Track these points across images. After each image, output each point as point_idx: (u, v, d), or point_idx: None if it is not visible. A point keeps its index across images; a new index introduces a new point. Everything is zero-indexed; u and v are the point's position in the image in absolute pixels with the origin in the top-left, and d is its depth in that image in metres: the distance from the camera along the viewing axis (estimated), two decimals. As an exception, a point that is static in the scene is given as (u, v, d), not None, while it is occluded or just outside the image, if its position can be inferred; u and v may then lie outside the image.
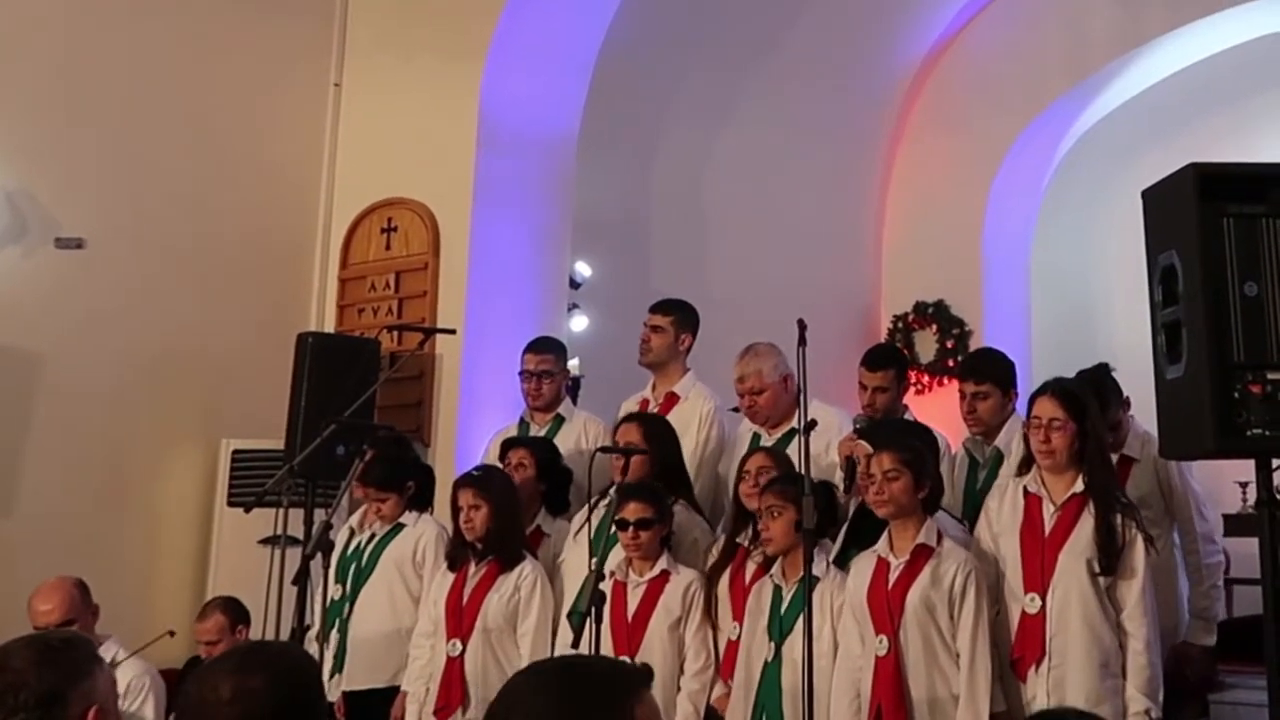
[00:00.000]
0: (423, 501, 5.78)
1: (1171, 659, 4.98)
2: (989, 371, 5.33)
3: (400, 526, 5.65)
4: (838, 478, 4.97)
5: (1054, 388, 4.54)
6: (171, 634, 5.31)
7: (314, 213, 8.06)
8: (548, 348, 6.26)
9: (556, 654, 5.09)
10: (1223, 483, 8.47)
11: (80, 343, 6.93)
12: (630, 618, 4.90)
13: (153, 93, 7.38)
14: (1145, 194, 4.08)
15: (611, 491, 5.22)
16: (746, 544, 5.01)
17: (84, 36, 7.12)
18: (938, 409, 7.83)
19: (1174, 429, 3.95)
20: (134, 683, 4.85)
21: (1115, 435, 5.22)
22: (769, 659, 4.58)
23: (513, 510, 5.31)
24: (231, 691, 2.15)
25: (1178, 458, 4.50)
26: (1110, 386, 5.30)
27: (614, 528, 4.92)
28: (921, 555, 4.36)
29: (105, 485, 7.00)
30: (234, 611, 5.67)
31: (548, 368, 6.15)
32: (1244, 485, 8.87)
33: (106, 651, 4.85)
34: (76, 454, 6.86)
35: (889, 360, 5.76)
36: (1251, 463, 3.85)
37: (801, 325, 4.52)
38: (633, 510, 4.92)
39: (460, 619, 5.18)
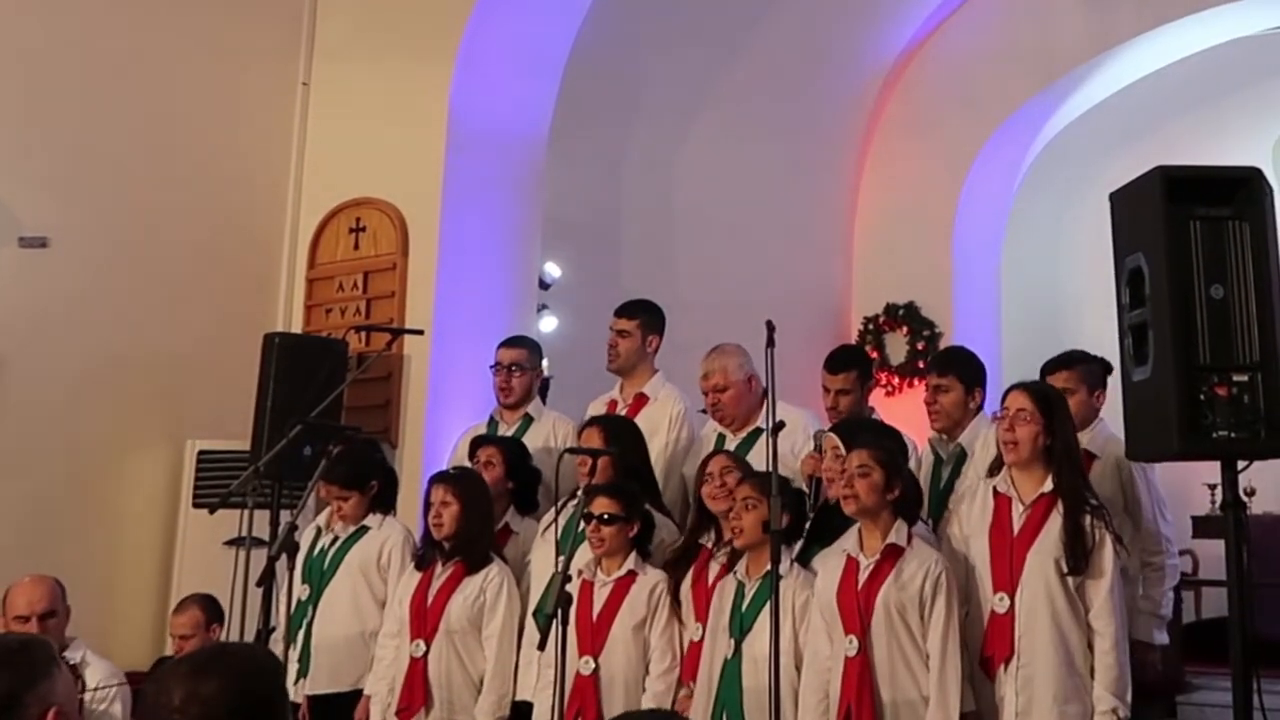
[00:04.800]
0: (385, 503, 5.74)
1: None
2: (951, 365, 5.36)
3: (365, 529, 5.61)
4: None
5: (1027, 383, 4.58)
6: None
7: (282, 212, 8.02)
8: (520, 343, 6.26)
9: (521, 654, 5.12)
10: (1191, 484, 8.52)
11: (45, 342, 6.87)
12: (595, 617, 4.89)
13: (119, 91, 7.33)
14: (1113, 196, 4.10)
15: (580, 492, 5.21)
16: (709, 545, 5.01)
17: (48, 34, 7.06)
18: (908, 411, 7.84)
19: (1140, 430, 3.97)
20: (102, 684, 4.83)
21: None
22: (729, 656, 4.58)
23: (483, 513, 5.30)
24: (182, 697, 2.13)
25: (1144, 459, 4.51)
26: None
27: (582, 524, 4.91)
28: (891, 555, 4.36)
29: (69, 486, 6.94)
30: (210, 609, 5.66)
31: (519, 361, 6.13)
32: (1212, 487, 8.92)
33: (74, 653, 4.83)
34: (40, 455, 6.80)
35: (850, 362, 5.75)
36: (1219, 465, 3.87)
37: (770, 326, 4.50)
38: (599, 505, 4.92)
39: (424, 620, 5.16)
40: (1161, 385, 3.74)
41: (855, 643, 4.30)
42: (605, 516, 4.90)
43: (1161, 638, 4.97)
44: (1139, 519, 5.08)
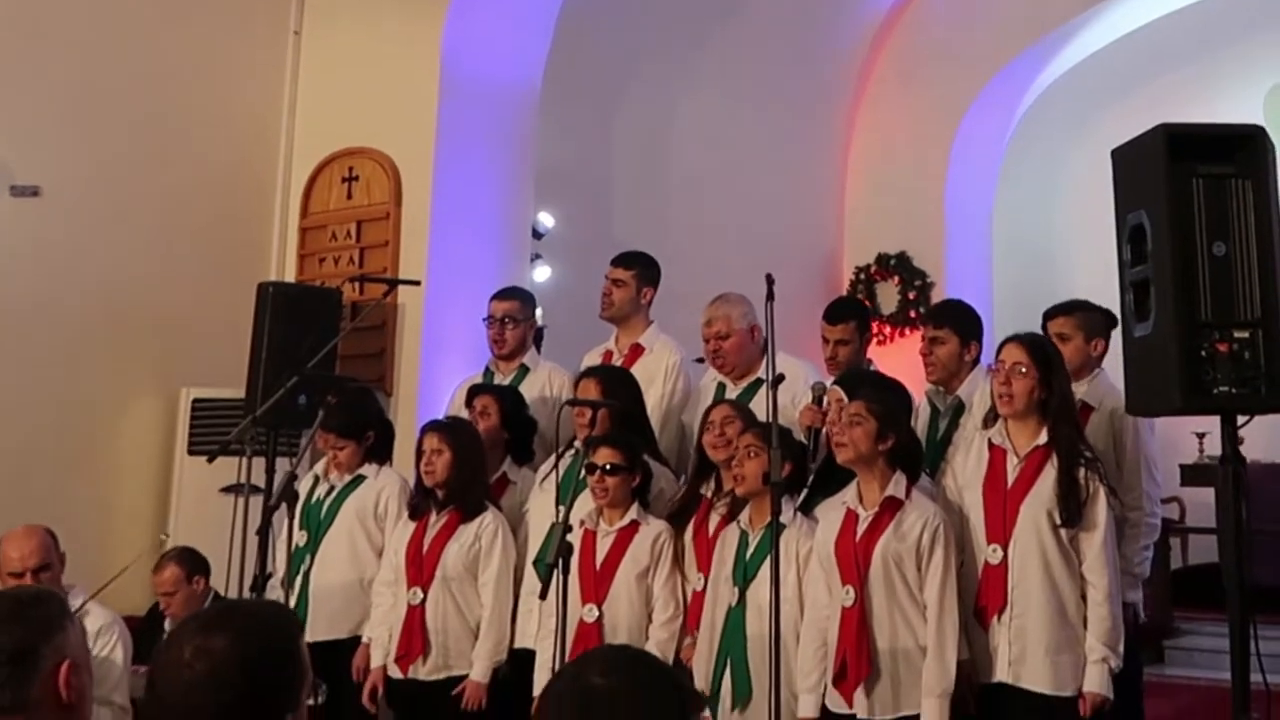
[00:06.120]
0: (381, 454, 5.76)
1: None
2: (947, 317, 5.37)
3: (361, 478, 5.65)
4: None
5: (1022, 335, 4.58)
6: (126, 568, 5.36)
7: (274, 161, 7.98)
8: (513, 295, 6.26)
9: (521, 603, 5.17)
10: (1181, 433, 8.59)
11: (37, 291, 6.83)
12: (598, 567, 4.92)
13: (109, 39, 7.26)
14: (1115, 153, 4.09)
15: (578, 443, 5.24)
16: (710, 495, 5.04)
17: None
18: (899, 361, 7.88)
19: (1141, 386, 3.99)
20: (103, 630, 4.85)
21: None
22: (733, 604, 4.61)
23: (475, 462, 5.33)
24: (192, 651, 2.16)
25: (1146, 414, 4.54)
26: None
27: (584, 473, 4.94)
28: (889, 507, 4.39)
29: (63, 435, 6.93)
30: (189, 562, 5.65)
31: (512, 313, 6.14)
32: (1201, 436, 9.02)
33: (73, 601, 4.84)
34: (33, 404, 6.78)
35: (849, 313, 5.78)
36: (1208, 414, 3.91)
37: (769, 280, 4.53)
38: (603, 455, 4.95)
39: (420, 568, 5.22)
40: (1163, 342, 3.75)
41: (853, 593, 4.34)
42: (609, 467, 4.93)
43: (1134, 595, 4.94)
44: (1125, 471, 5.06)
